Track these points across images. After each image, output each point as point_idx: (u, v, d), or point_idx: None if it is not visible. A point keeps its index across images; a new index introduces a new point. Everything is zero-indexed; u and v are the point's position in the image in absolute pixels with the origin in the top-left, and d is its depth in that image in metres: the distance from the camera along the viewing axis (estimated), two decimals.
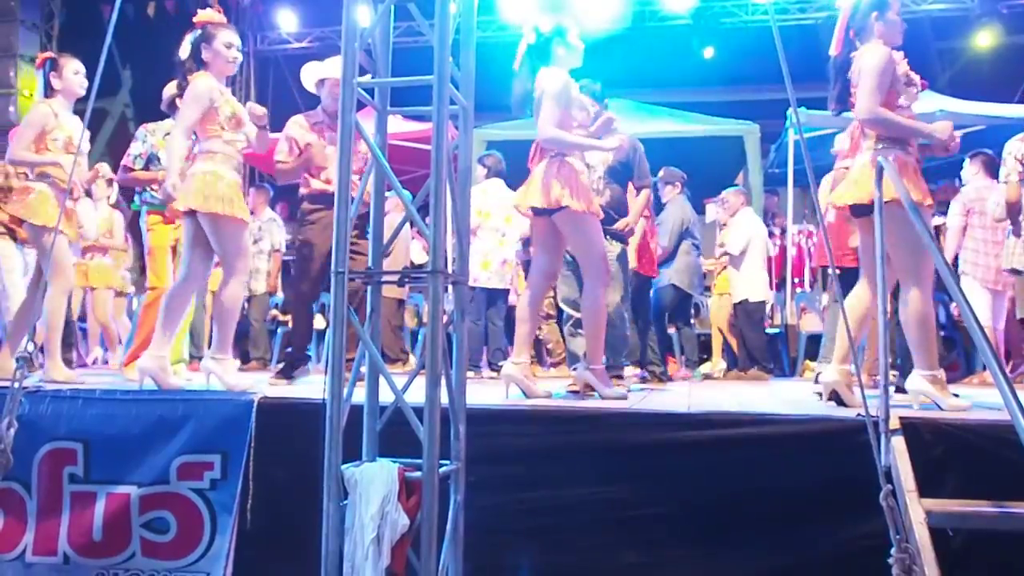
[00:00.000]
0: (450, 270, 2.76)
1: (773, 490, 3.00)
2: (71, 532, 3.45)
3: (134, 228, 6.08)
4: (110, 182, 6.85)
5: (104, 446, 3.48)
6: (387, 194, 3.11)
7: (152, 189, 5.06)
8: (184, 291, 4.08)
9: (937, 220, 6.89)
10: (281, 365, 4.98)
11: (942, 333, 7.24)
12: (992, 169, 5.93)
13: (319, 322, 7.18)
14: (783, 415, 3.19)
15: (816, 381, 4.31)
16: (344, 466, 2.57)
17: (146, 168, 5.14)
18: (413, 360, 7.33)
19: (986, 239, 5.90)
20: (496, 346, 6.58)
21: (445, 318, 2.72)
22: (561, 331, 5.73)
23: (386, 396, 2.74)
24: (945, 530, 2.64)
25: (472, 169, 3.24)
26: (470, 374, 4.12)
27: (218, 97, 4.01)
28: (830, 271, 4.93)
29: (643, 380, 5.74)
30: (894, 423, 2.83)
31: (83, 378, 4.61)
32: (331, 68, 4.80)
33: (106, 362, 7.28)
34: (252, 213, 7.78)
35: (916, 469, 2.67)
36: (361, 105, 2.71)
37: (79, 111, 4.52)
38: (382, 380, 2.75)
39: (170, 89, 5.15)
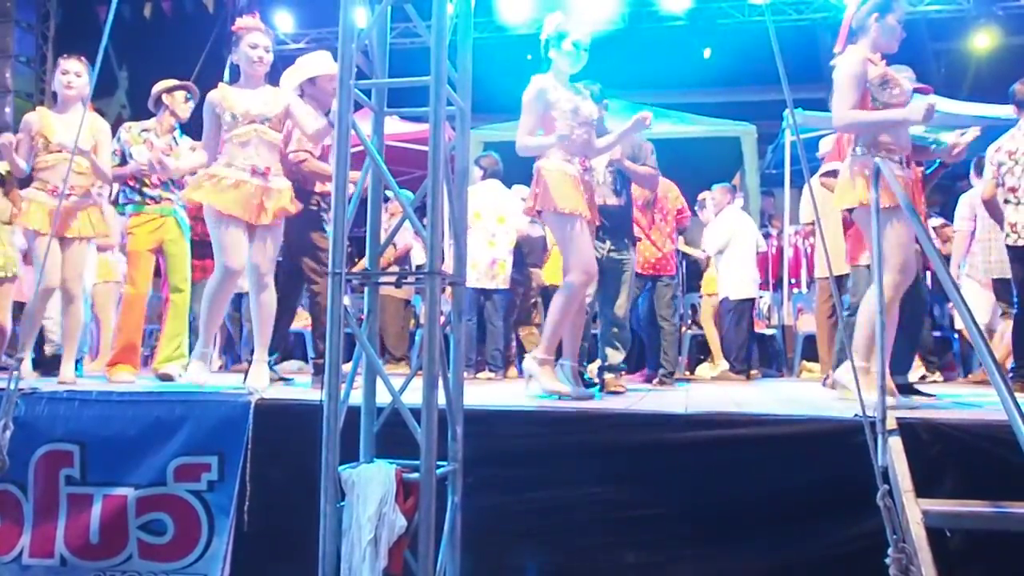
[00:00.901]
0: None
1: (771, 490, 3.00)
2: (68, 534, 3.44)
3: None
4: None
5: (101, 448, 3.48)
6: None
7: (128, 186, 5.02)
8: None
9: (934, 221, 6.91)
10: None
11: (938, 333, 7.26)
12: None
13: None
14: (781, 416, 3.19)
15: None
16: (341, 467, 2.57)
17: (121, 165, 5.09)
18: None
19: (982, 239, 5.91)
20: (495, 346, 6.57)
21: (442, 319, 2.72)
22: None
23: (383, 397, 2.74)
24: (943, 530, 2.65)
25: (469, 170, 3.24)
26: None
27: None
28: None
29: (648, 380, 5.75)
30: (891, 423, 2.83)
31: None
32: (320, 64, 4.78)
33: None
34: None
35: (913, 469, 2.67)
36: (358, 106, 2.71)
37: None
38: (379, 381, 2.74)
39: (160, 86, 5.16)
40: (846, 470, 2.80)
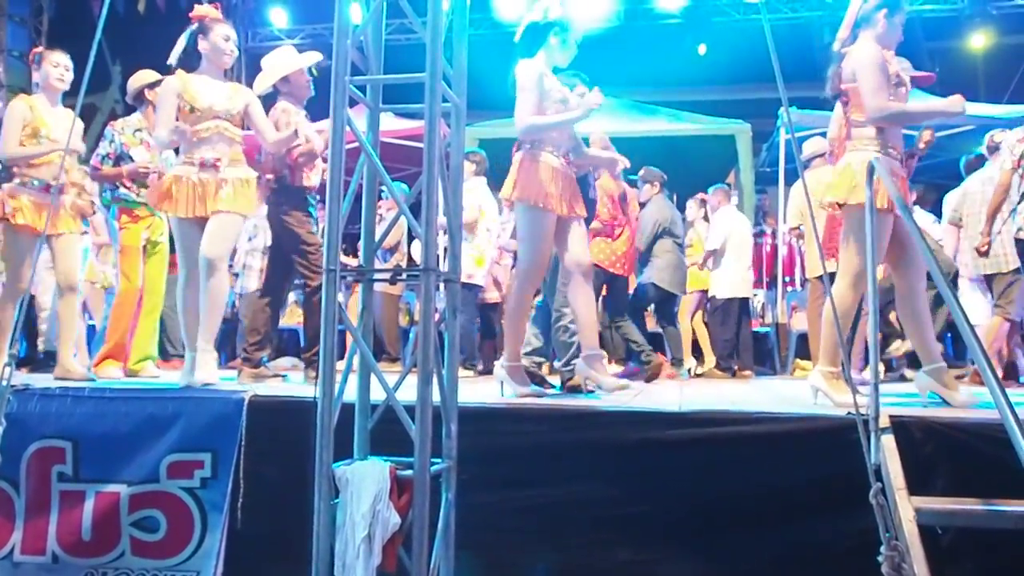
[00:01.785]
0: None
1: (764, 487, 3.01)
2: (60, 531, 3.43)
3: None
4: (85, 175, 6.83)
5: (93, 444, 3.47)
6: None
7: (124, 186, 5.01)
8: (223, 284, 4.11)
9: (926, 220, 6.92)
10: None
11: None
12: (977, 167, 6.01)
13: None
14: (774, 413, 3.19)
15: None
16: (335, 464, 2.56)
17: (115, 167, 5.08)
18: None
19: (972, 236, 5.92)
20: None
21: (436, 316, 2.71)
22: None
23: (378, 394, 2.73)
24: (935, 528, 2.65)
25: (463, 166, 3.23)
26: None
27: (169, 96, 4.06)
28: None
29: (631, 375, 5.74)
30: (884, 421, 2.84)
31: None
32: (287, 60, 4.76)
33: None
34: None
35: (906, 467, 2.68)
36: (353, 102, 2.70)
37: (68, 105, 4.50)
38: (373, 378, 2.74)
39: (138, 80, 5.13)
40: (839, 468, 2.81)
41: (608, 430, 3.21)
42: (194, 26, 4.11)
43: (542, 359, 4.74)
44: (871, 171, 3.00)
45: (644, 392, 4.54)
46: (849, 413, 2.82)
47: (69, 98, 4.50)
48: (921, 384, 3.61)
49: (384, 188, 2.88)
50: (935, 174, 8.66)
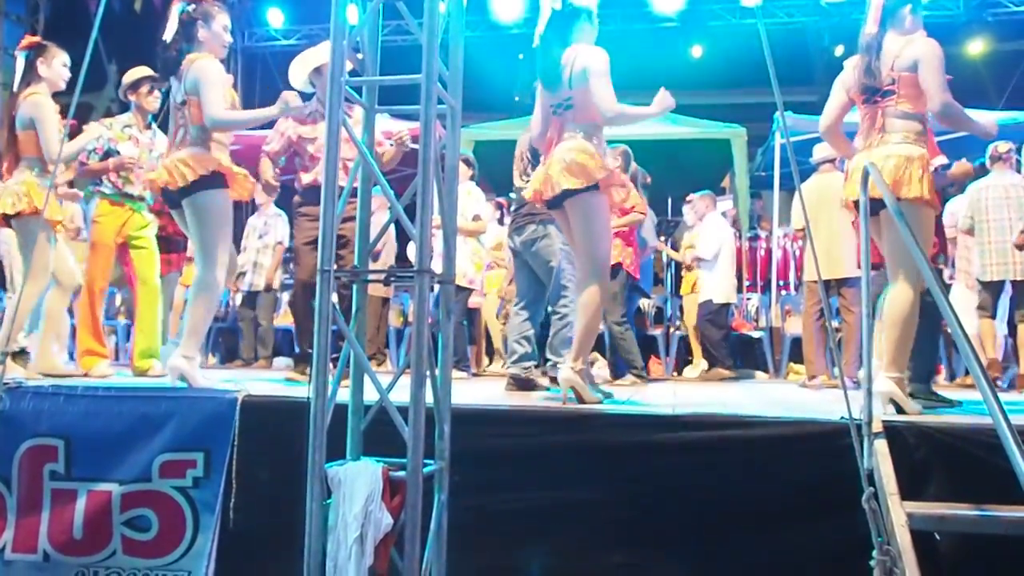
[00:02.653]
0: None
1: (757, 491, 3.01)
2: (51, 530, 3.41)
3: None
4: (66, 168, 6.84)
5: (86, 443, 3.46)
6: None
7: (108, 179, 4.98)
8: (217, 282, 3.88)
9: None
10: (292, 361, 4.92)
11: None
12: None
13: None
14: (767, 417, 3.20)
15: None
16: (328, 465, 2.56)
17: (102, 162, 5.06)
18: (390, 360, 7.36)
19: (981, 242, 5.94)
20: None
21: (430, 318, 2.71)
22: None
23: (370, 395, 2.73)
24: (930, 532, 2.66)
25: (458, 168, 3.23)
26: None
27: (227, 82, 3.90)
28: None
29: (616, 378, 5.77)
30: (877, 426, 2.85)
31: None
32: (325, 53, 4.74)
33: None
34: (258, 208, 7.79)
35: (899, 472, 2.69)
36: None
37: (64, 104, 4.48)
38: (367, 379, 2.74)
39: (133, 74, 5.11)
40: (832, 472, 2.81)
41: (601, 433, 3.21)
42: (191, 7, 3.90)
43: (531, 363, 4.73)
44: (865, 175, 3.00)
45: (638, 395, 4.54)
46: (842, 418, 2.82)
47: (65, 97, 4.48)
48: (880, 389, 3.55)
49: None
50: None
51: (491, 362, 7.74)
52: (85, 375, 4.72)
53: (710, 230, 7.29)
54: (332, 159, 2.61)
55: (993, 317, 5.93)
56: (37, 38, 4.77)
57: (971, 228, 6.02)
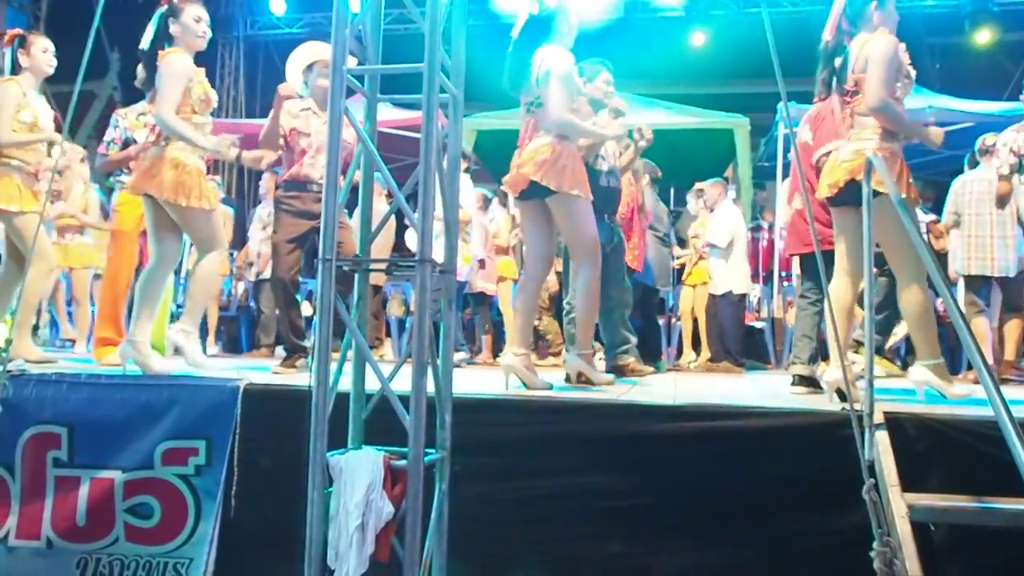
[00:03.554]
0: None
1: (757, 482, 3.02)
2: (55, 516, 3.43)
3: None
4: (83, 160, 6.85)
5: (89, 430, 3.47)
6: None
7: (130, 169, 4.98)
8: (158, 274, 4.00)
9: (926, 217, 6.91)
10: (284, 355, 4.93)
11: None
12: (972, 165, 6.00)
13: (307, 309, 7.17)
14: (768, 408, 3.20)
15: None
16: (329, 453, 2.57)
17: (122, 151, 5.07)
18: (388, 347, 7.35)
19: (974, 234, 5.91)
20: None
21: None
22: (560, 323, 5.73)
23: (372, 384, 2.73)
24: (928, 524, 2.66)
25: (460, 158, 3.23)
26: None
27: (193, 76, 3.93)
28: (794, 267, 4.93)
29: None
30: (878, 417, 2.85)
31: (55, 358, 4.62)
32: (319, 50, 4.74)
33: (73, 342, 7.17)
34: (264, 199, 7.78)
35: (899, 463, 2.69)
36: (350, 92, 2.69)
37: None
38: (368, 367, 2.74)
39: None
40: (832, 463, 2.81)
41: (602, 422, 3.22)
42: (164, 8, 3.95)
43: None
44: (869, 166, 2.99)
45: (639, 385, 4.55)
46: (843, 408, 2.82)
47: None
48: (917, 378, 3.59)
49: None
50: (935, 170, 8.66)
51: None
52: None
53: (722, 218, 7.23)
54: (334, 148, 2.61)
55: (984, 313, 5.86)
56: (18, 30, 4.74)
57: (957, 223, 5.98)
